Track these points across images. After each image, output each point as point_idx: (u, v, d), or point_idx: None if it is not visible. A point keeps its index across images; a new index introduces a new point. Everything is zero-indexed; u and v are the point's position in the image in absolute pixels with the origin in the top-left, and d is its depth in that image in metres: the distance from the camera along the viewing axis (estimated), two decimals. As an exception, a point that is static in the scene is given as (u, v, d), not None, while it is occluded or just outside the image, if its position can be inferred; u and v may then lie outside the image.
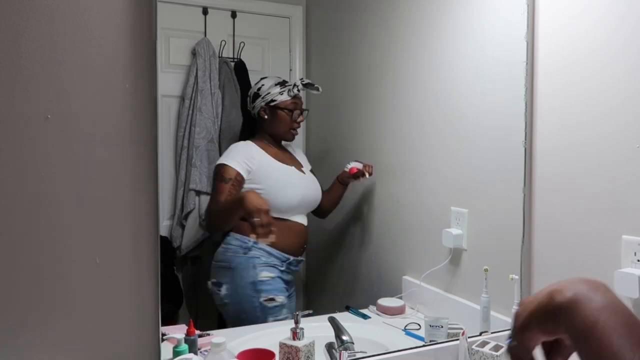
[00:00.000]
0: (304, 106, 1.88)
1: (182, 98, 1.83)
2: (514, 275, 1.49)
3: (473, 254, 1.64)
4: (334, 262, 2.11)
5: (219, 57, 1.89)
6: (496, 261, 1.56)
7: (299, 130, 1.87)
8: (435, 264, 1.69)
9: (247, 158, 1.74)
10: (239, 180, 1.72)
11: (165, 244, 1.73)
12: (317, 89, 1.83)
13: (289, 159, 1.86)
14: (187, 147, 1.82)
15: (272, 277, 1.72)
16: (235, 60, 1.93)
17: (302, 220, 1.82)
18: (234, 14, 1.93)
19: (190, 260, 1.88)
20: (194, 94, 1.83)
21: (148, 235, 1.12)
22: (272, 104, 1.81)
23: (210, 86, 1.85)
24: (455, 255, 1.67)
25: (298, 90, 1.82)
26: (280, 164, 1.81)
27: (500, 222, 1.60)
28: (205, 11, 1.87)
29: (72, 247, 1.06)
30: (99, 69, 1.06)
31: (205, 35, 1.86)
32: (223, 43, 1.90)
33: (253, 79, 1.91)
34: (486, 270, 1.52)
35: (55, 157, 1.04)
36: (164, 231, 1.73)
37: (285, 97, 1.81)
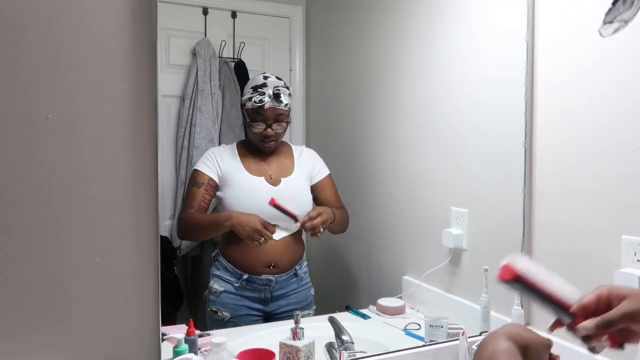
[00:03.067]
0: (287, 118, 1.70)
1: (182, 98, 1.84)
2: (514, 275, 1.48)
3: (473, 254, 1.64)
4: (334, 262, 2.11)
5: (219, 57, 1.89)
6: (496, 261, 1.55)
7: (280, 137, 1.71)
8: (435, 264, 1.69)
9: (217, 162, 1.69)
10: (212, 185, 1.67)
11: (166, 244, 1.74)
12: (281, 102, 1.65)
13: (265, 168, 1.73)
14: (187, 147, 1.82)
15: (220, 291, 1.68)
16: (236, 60, 1.93)
17: (274, 234, 1.65)
18: (234, 14, 1.93)
19: (190, 260, 1.88)
20: (194, 94, 1.83)
21: (148, 235, 1.12)
22: (243, 108, 1.71)
23: (211, 86, 1.86)
24: (455, 255, 1.67)
25: (260, 101, 1.64)
26: (246, 173, 1.70)
27: (500, 222, 1.60)
28: (205, 11, 1.87)
29: (73, 247, 1.06)
30: (99, 69, 1.06)
31: (206, 35, 1.86)
32: (223, 43, 1.90)
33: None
34: (486, 270, 1.52)
35: (55, 157, 1.04)
36: (164, 231, 1.73)
37: (250, 105, 1.66)
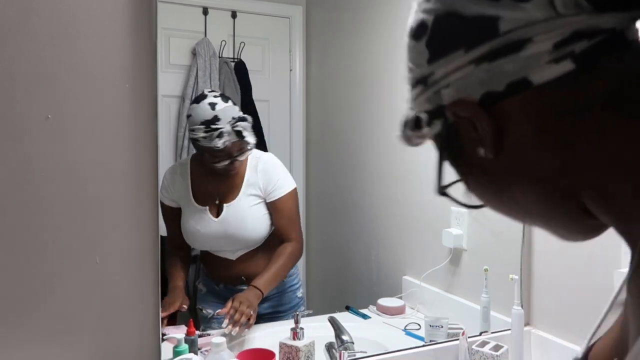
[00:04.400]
0: (248, 146, 1.55)
1: (182, 98, 1.83)
2: (514, 275, 1.49)
3: (473, 254, 1.64)
4: (334, 262, 2.11)
5: (219, 57, 1.89)
6: (496, 261, 1.56)
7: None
8: (435, 264, 1.69)
9: (169, 190, 1.62)
10: (175, 213, 1.61)
11: (166, 244, 1.73)
12: (247, 143, 1.53)
13: (213, 192, 1.62)
14: (187, 147, 1.82)
15: (204, 291, 1.71)
16: (236, 60, 1.93)
17: (230, 255, 1.65)
18: (234, 14, 1.93)
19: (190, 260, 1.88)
20: (194, 94, 1.83)
21: (148, 235, 1.12)
22: (197, 143, 1.55)
23: (211, 86, 1.85)
24: (455, 255, 1.67)
25: (223, 145, 1.50)
26: (193, 202, 1.61)
27: (500, 222, 1.60)
28: (205, 11, 1.87)
29: (73, 247, 1.06)
30: (99, 69, 1.06)
31: (206, 35, 1.86)
32: (223, 43, 1.90)
33: (253, 79, 1.91)
34: (486, 270, 1.52)
35: (55, 157, 1.04)
36: (164, 231, 1.73)
37: (207, 145, 1.51)
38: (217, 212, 1.62)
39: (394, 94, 1.92)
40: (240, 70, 1.93)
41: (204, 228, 1.61)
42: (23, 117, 1.01)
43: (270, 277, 1.55)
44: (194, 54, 1.84)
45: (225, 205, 1.61)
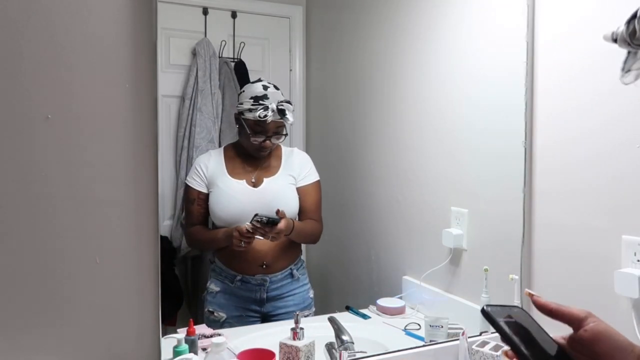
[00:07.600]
0: (285, 130, 1.70)
1: (183, 98, 1.83)
2: (514, 275, 1.49)
3: (473, 254, 1.64)
4: (334, 262, 2.11)
5: (219, 57, 1.89)
6: (496, 261, 1.56)
7: (278, 141, 1.72)
8: (435, 264, 1.69)
9: (203, 173, 1.71)
10: (202, 198, 1.70)
11: (165, 244, 1.73)
12: (287, 119, 1.66)
13: (249, 170, 1.73)
14: (187, 147, 1.82)
15: (216, 291, 1.71)
16: (236, 60, 1.93)
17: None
18: (234, 14, 1.93)
19: (190, 260, 1.88)
20: (194, 94, 1.83)
21: (148, 235, 1.12)
22: (241, 116, 1.69)
23: (211, 86, 1.85)
24: (455, 255, 1.67)
25: (264, 117, 1.63)
26: (228, 177, 1.71)
27: (500, 222, 1.60)
28: (205, 11, 1.87)
29: (73, 247, 1.06)
30: (99, 69, 1.06)
31: (206, 35, 1.86)
32: (223, 43, 1.90)
33: (253, 79, 1.91)
34: (486, 270, 1.52)
35: (55, 157, 1.04)
36: (164, 231, 1.73)
37: (252, 116, 1.65)
38: (255, 185, 1.72)
39: (394, 93, 1.92)
40: (240, 70, 1.93)
41: (242, 196, 1.68)
42: (23, 117, 1.01)
43: (300, 225, 1.72)
44: (194, 54, 1.85)
45: (265, 178, 1.73)
